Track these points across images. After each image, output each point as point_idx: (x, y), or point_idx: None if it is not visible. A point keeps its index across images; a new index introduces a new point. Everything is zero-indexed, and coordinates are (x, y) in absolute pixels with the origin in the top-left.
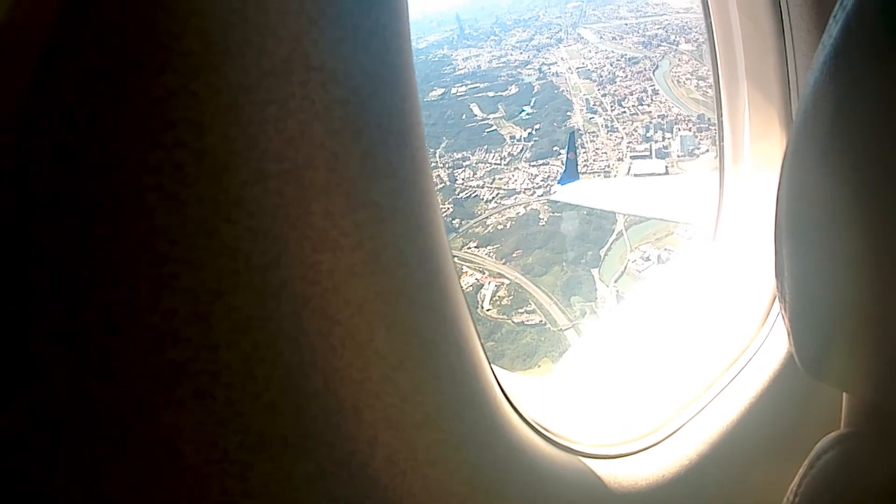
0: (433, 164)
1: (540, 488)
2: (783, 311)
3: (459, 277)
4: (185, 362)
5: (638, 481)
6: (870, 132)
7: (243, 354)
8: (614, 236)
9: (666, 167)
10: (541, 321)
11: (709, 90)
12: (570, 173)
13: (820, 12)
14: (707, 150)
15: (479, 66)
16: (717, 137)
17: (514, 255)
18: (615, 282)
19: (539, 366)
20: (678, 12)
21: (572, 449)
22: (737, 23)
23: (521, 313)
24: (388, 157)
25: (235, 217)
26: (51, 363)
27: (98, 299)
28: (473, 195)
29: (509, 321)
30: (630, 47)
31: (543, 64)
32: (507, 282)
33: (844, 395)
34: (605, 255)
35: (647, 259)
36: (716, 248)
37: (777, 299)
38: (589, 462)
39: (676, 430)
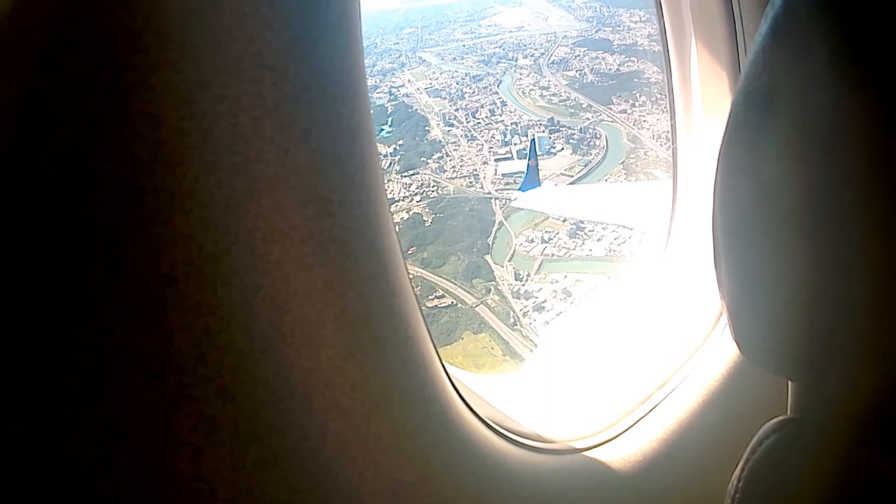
0: None
1: (491, 481)
2: (722, 302)
3: (407, 269)
4: (137, 345)
5: (591, 476)
6: (799, 120)
7: (195, 339)
8: (496, 226)
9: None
10: (452, 303)
11: (553, 97)
12: (531, 180)
13: None
14: (562, 149)
15: None
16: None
17: (410, 252)
18: (508, 261)
19: (462, 338)
20: (511, 31)
21: (524, 444)
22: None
23: (433, 299)
24: (337, 153)
25: (188, 207)
26: (4, 342)
27: (52, 280)
28: None
29: (424, 307)
30: (472, 66)
31: (392, 87)
32: (411, 276)
33: (789, 382)
34: (493, 242)
35: (532, 241)
36: (669, 248)
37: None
38: (541, 457)
39: (630, 427)
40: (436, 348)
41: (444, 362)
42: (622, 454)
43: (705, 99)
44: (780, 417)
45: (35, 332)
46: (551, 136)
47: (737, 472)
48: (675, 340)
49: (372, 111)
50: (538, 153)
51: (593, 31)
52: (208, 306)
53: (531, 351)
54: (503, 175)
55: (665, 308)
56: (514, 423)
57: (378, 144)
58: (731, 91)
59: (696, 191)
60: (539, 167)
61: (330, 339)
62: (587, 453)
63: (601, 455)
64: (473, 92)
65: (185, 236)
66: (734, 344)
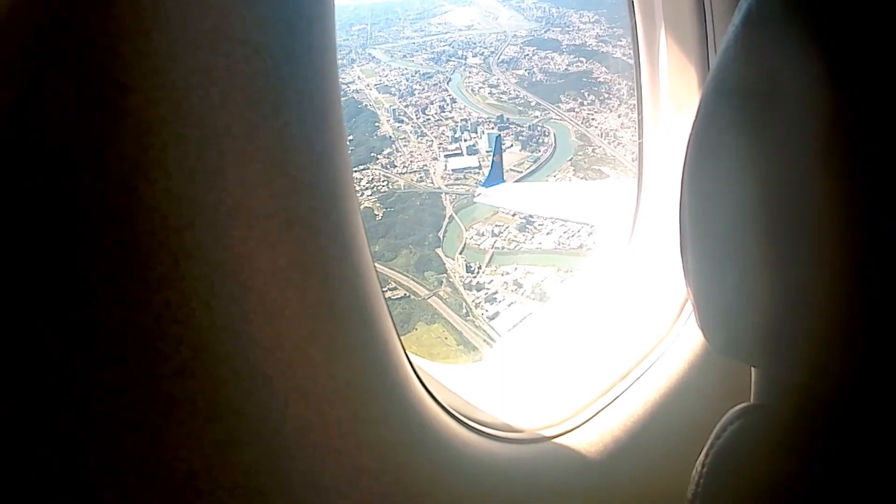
0: None
1: (451, 467)
2: (688, 288)
3: (371, 254)
4: (97, 319)
5: (554, 464)
6: (767, 110)
7: (155, 314)
8: (447, 220)
9: (479, 161)
10: (405, 294)
11: (502, 95)
12: (495, 176)
13: None
14: (511, 145)
15: None
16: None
17: None
18: (459, 254)
19: (416, 328)
20: (460, 30)
21: (484, 432)
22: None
23: (385, 291)
24: (306, 133)
25: (154, 177)
26: None
27: (12, 250)
28: None
29: None
30: (422, 64)
31: (342, 83)
32: None
33: (752, 369)
34: (444, 235)
35: (482, 235)
36: (634, 239)
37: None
38: (503, 445)
39: (593, 416)
40: (398, 335)
41: (406, 350)
42: (585, 442)
43: (674, 92)
44: (744, 404)
45: None
46: (501, 132)
47: (701, 457)
48: (641, 329)
49: None
50: (489, 149)
51: (542, 31)
52: (169, 280)
53: (484, 341)
54: (453, 170)
55: (631, 297)
56: (475, 411)
57: None
58: (700, 85)
59: (662, 182)
60: (488, 161)
61: (293, 319)
62: (550, 442)
63: (564, 443)
64: (423, 89)
65: (149, 207)
66: (699, 332)
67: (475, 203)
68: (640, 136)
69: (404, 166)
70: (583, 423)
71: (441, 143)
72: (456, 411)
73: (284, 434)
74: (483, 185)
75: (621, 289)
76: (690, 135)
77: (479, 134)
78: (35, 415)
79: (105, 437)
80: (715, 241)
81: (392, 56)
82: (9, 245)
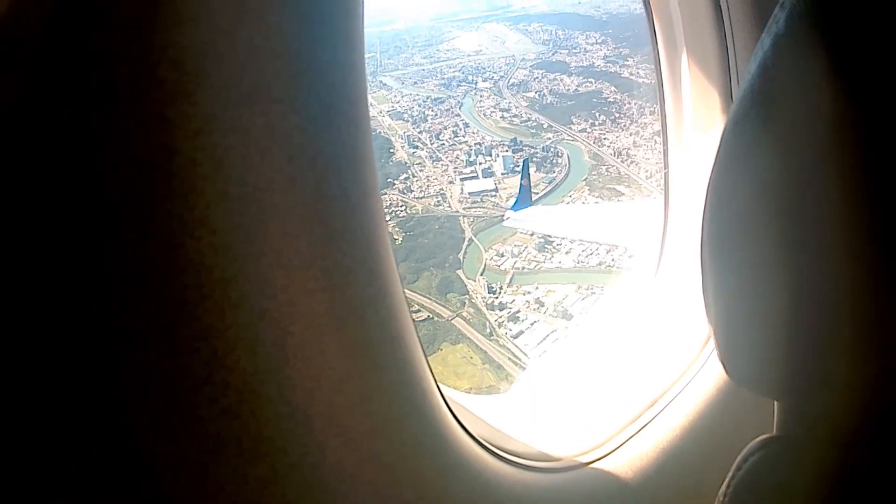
0: None
1: (485, 499)
2: (709, 323)
3: (405, 296)
4: (147, 366)
5: (582, 494)
6: (796, 131)
7: (202, 361)
8: (466, 242)
9: (494, 184)
10: (429, 316)
11: (514, 118)
12: (524, 199)
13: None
14: None
15: None
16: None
17: None
18: (480, 275)
19: (441, 349)
20: (469, 55)
21: (517, 462)
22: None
23: (410, 314)
24: (341, 182)
25: (199, 234)
26: (11, 358)
27: (67, 299)
28: None
29: None
30: (433, 89)
31: None
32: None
33: (776, 402)
34: (464, 257)
35: (502, 255)
36: (661, 268)
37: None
38: (533, 475)
39: (619, 447)
40: (431, 370)
41: (438, 383)
42: (612, 472)
43: (697, 119)
44: (766, 436)
45: (48, 350)
46: (515, 154)
47: (723, 488)
48: (666, 358)
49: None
50: (504, 172)
51: (550, 54)
52: (216, 329)
53: (509, 359)
54: (470, 194)
55: (657, 325)
56: (508, 441)
57: None
58: (724, 110)
59: (689, 210)
60: (507, 184)
61: (331, 361)
62: (578, 471)
63: (592, 473)
64: (436, 115)
65: (196, 262)
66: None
67: (503, 226)
68: (666, 166)
69: (421, 191)
70: (610, 453)
71: (456, 167)
72: (489, 443)
73: (324, 469)
74: (512, 209)
75: (650, 314)
76: (714, 160)
77: (493, 157)
78: (89, 458)
79: (156, 475)
80: (736, 275)
81: (403, 83)
82: (67, 293)
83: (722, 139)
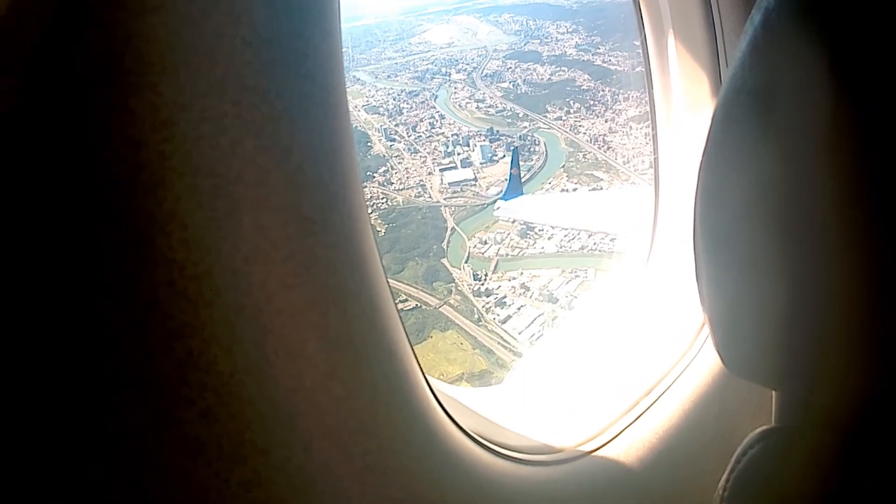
0: None
1: (478, 495)
2: (704, 314)
3: (389, 287)
4: (120, 369)
5: (578, 486)
6: (788, 122)
7: (177, 361)
8: (449, 231)
9: (474, 173)
10: (416, 305)
11: (489, 108)
12: (514, 189)
13: None
14: (503, 156)
15: None
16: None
17: None
18: (465, 263)
19: (431, 336)
20: (441, 48)
21: (509, 456)
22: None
23: (398, 304)
24: (319, 173)
25: (170, 229)
26: None
27: (33, 308)
28: None
29: None
30: (407, 83)
31: None
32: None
33: (773, 392)
34: (448, 246)
35: (485, 243)
36: (652, 254)
37: (699, 301)
38: (526, 468)
39: (618, 434)
40: (419, 363)
41: (427, 376)
42: (611, 462)
43: (687, 102)
44: (764, 427)
45: (14, 353)
46: (492, 144)
47: (722, 481)
48: (661, 347)
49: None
50: (483, 161)
51: (522, 44)
52: (190, 328)
53: (499, 343)
54: (450, 184)
55: (650, 312)
56: (498, 433)
57: None
58: (713, 94)
59: (680, 197)
60: (486, 173)
61: (313, 357)
62: (574, 462)
63: (589, 464)
64: (411, 107)
65: (167, 258)
66: (716, 353)
67: (495, 216)
68: (655, 151)
69: (401, 183)
70: (606, 443)
71: (435, 158)
72: (481, 436)
73: (309, 470)
74: (502, 199)
75: (642, 303)
76: (704, 151)
77: (471, 147)
78: (62, 461)
79: (134, 481)
80: (730, 264)
81: (377, 77)
82: (29, 300)
83: (713, 121)
